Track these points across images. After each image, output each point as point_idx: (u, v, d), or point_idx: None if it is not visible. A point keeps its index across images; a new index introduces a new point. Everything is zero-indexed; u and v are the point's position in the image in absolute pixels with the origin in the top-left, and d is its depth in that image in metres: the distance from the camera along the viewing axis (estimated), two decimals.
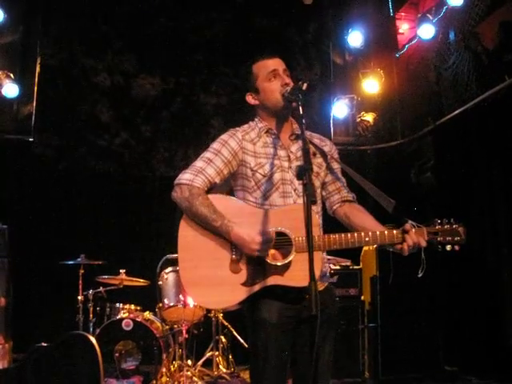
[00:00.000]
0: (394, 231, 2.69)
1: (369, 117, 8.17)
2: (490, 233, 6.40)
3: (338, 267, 6.32)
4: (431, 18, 7.10)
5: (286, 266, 2.64)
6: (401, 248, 2.69)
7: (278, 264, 2.65)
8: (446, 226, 2.72)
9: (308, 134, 2.98)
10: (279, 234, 2.69)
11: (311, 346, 2.29)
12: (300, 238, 2.65)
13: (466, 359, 6.39)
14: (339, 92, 8.31)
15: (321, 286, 2.78)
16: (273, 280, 2.65)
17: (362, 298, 6.32)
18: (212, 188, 2.86)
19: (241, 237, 2.64)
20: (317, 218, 2.75)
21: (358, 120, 8.20)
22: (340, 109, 8.21)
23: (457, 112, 6.80)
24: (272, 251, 2.67)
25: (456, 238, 2.71)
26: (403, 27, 8.25)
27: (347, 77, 8.43)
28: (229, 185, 2.97)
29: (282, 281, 2.64)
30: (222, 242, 2.72)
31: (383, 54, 8.18)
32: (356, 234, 2.67)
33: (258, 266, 2.67)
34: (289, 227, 2.68)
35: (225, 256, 2.72)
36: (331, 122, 8.24)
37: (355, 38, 8.14)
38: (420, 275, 2.78)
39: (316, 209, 2.83)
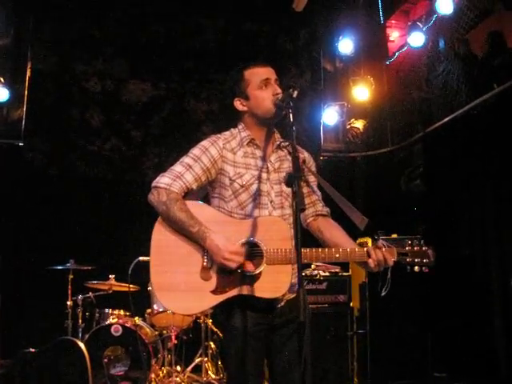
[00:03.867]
0: (365, 249, 2.71)
1: (359, 124, 8.20)
2: (479, 240, 6.43)
3: (327, 274, 6.32)
4: (421, 26, 7.14)
5: (256, 277, 2.67)
6: (366, 266, 2.72)
7: (249, 274, 2.68)
8: (415, 248, 2.75)
9: (287, 142, 2.99)
10: (252, 244, 2.71)
11: (299, 354, 2.30)
12: (272, 250, 2.67)
13: (455, 365, 6.41)
14: (329, 99, 8.34)
15: (290, 296, 2.83)
16: (242, 290, 2.67)
17: (351, 304, 6.32)
18: (188, 193, 2.86)
19: (216, 245, 2.66)
20: (291, 231, 2.73)
21: (348, 127, 8.23)
22: (330, 116, 8.23)
23: (446, 119, 6.84)
24: (243, 261, 2.69)
25: (424, 260, 2.74)
26: (393, 35, 8.28)
27: (337, 84, 8.45)
28: (205, 191, 2.97)
29: (251, 291, 2.66)
30: (194, 248, 2.74)
31: (373, 61, 8.22)
32: (327, 250, 2.70)
33: (228, 275, 2.69)
34: (262, 238, 2.70)
35: (196, 262, 2.73)
36: (321, 128, 8.26)
37: (346, 45, 8.17)
38: (383, 294, 2.87)
39: (289, 220, 2.83)
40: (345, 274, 6.40)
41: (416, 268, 2.74)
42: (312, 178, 3.01)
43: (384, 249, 2.70)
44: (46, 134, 7.87)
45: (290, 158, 2.91)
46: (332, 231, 2.93)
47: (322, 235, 2.93)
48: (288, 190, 2.80)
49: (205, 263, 2.73)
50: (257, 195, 2.83)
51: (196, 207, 2.79)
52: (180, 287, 2.71)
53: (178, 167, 2.85)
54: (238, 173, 2.85)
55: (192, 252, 2.74)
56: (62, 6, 7.82)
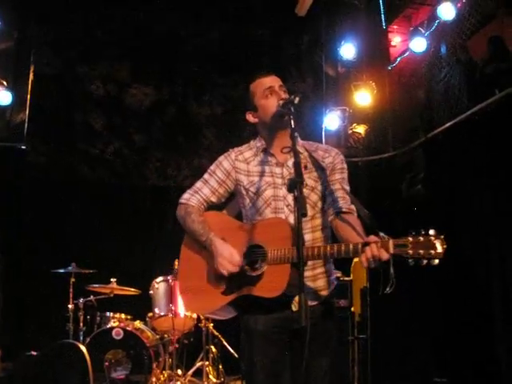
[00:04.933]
0: (359, 244, 2.55)
1: (360, 129, 8.21)
2: (481, 245, 6.43)
3: None
4: (423, 31, 7.16)
5: (259, 278, 2.75)
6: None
7: (253, 275, 2.76)
8: (419, 238, 2.46)
9: (314, 146, 3.10)
10: (257, 246, 2.79)
11: (301, 360, 2.33)
12: (273, 251, 2.73)
13: (456, 371, 6.41)
14: (331, 104, 8.35)
15: (312, 303, 2.84)
16: (246, 290, 2.77)
17: (352, 309, 6.32)
18: (224, 205, 3.16)
19: (215, 253, 2.83)
20: (290, 231, 2.75)
21: (350, 132, 8.24)
22: (332, 120, 8.24)
23: (448, 125, 6.85)
24: (249, 263, 2.80)
25: (430, 252, 2.42)
26: (395, 40, 8.30)
27: (339, 89, 8.46)
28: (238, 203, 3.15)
29: (254, 291, 2.75)
30: (210, 254, 2.89)
31: (375, 66, 8.23)
32: (322, 247, 2.68)
33: (236, 277, 2.80)
34: (266, 240, 2.78)
35: (212, 267, 2.87)
36: (323, 133, 8.28)
37: (348, 50, 8.18)
38: (388, 291, 2.67)
39: (312, 222, 2.90)
40: (346, 278, 6.41)
41: (424, 261, 2.42)
42: (336, 176, 3.00)
43: (378, 243, 2.49)
44: (48, 138, 7.88)
45: (309, 160, 2.99)
46: (344, 228, 2.83)
47: (338, 234, 2.88)
48: (306, 193, 2.87)
49: None
50: (271, 201, 2.91)
51: (212, 216, 3.03)
52: (198, 290, 2.92)
53: (197, 183, 3.10)
54: (251, 181, 2.97)
55: (209, 258, 2.91)
56: (64, 10, 7.84)
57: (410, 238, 2.47)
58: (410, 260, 2.46)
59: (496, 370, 6.02)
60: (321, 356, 2.81)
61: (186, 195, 3.08)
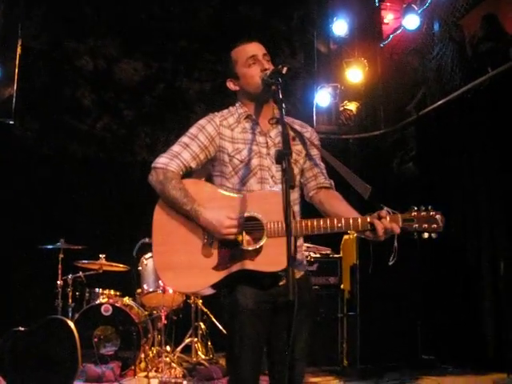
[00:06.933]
0: (368, 218, 2.59)
1: (352, 106, 8.19)
2: (471, 223, 6.45)
3: (318, 255, 6.33)
4: (416, 8, 7.12)
5: (257, 251, 2.64)
6: (371, 235, 2.61)
7: (250, 249, 2.64)
8: (422, 213, 2.61)
9: (290, 120, 2.97)
10: (251, 218, 2.67)
11: (288, 332, 2.29)
12: (272, 223, 2.63)
13: (443, 348, 6.46)
14: (323, 80, 8.31)
15: (297, 274, 2.76)
16: (244, 265, 2.64)
17: (342, 286, 6.34)
18: (191, 173, 2.84)
19: (209, 222, 2.65)
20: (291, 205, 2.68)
21: (341, 109, 8.21)
22: (323, 97, 8.21)
23: (440, 103, 6.83)
24: (244, 236, 2.66)
25: (433, 226, 2.60)
26: (388, 17, 8.25)
27: (331, 65, 8.42)
28: (207, 170, 2.93)
29: (252, 265, 2.63)
30: (194, 226, 2.71)
31: (367, 43, 8.19)
32: (329, 220, 2.62)
33: (229, 251, 2.67)
34: (261, 212, 2.67)
35: (197, 240, 2.71)
36: (314, 110, 8.24)
37: (340, 26, 8.13)
38: (391, 263, 2.68)
39: (292, 195, 2.72)
40: (336, 255, 6.41)
41: (425, 234, 2.59)
42: (314, 152, 2.96)
43: (388, 216, 2.59)
44: (36, 113, 7.80)
45: (290, 132, 2.86)
46: (332, 202, 2.84)
47: (322, 207, 2.86)
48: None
49: (205, 240, 2.71)
50: (257, 170, 2.81)
51: (194, 185, 2.79)
52: (182, 265, 2.70)
53: (175, 147, 2.84)
54: (236, 148, 2.83)
55: (192, 230, 2.72)
56: None
57: (415, 213, 2.62)
58: (414, 233, 2.62)
59: (483, 348, 6.08)
60: (303, 327, 2.77)
61: (162, 159, 2.80)
